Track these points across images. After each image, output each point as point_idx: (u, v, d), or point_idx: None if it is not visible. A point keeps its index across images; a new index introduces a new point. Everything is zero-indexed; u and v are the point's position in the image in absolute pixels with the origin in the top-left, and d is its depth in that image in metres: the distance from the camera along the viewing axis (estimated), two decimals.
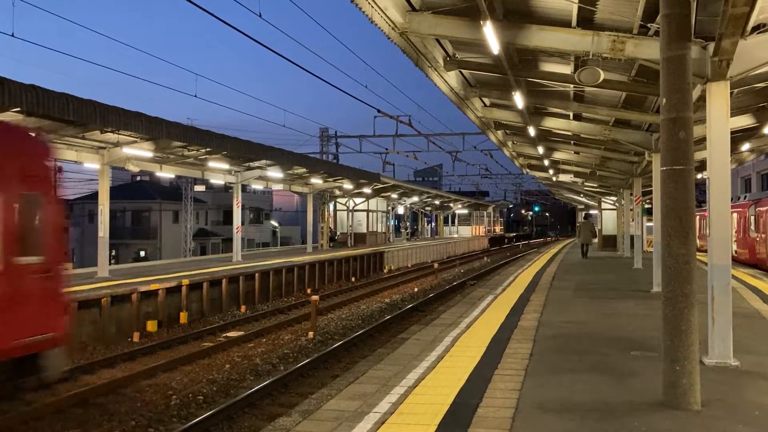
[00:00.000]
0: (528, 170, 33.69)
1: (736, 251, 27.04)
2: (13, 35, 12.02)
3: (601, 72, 9.97)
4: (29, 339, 7.76)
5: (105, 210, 18.45)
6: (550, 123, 17.28)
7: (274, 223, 65.20)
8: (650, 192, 20.03)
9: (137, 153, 17.73)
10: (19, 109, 11.85)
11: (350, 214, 40.30)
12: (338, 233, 40.44)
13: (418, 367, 7.61)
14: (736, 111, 12.30)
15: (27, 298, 7.78)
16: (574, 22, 9.19)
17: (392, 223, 52.77)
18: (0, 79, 11.02)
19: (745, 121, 13.76)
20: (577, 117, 16.73)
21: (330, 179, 30.43)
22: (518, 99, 13.15)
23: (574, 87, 12.89)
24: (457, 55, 12.18)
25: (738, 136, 15.59)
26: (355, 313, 18.12)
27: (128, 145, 17.10)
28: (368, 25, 9.34)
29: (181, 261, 29.52)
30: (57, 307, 8.36)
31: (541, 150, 22.18)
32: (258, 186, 33.35)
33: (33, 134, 9.39)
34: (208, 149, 19.07)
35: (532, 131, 17.64)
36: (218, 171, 23.96)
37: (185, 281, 17.04)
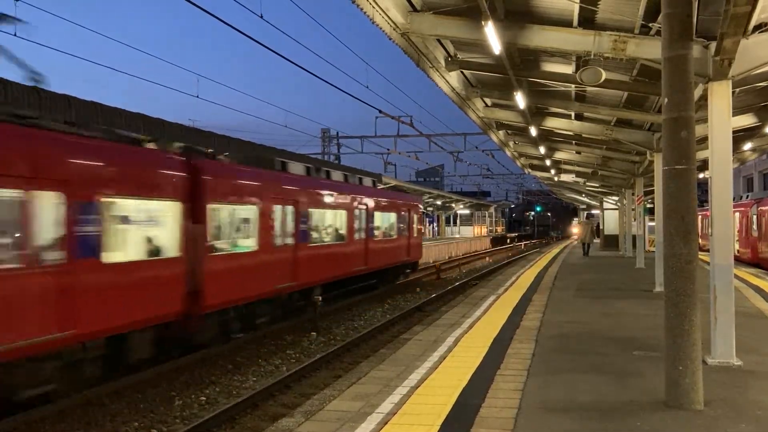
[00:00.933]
0: (529, 170, 33.73)
1: (738, 251, 26.99)
2: (15, 35, 12.02)
3: (602, 72, 9.98)
4: (418, 258, 26.44)
5: None
6: (552, 123, 17.29)
7: None
8: (652, 192, 20.03)
9: None
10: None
11: None
12: None
13: (420, 367, 7.62)
14: (737, 110, 12.31)
15: (419, 246, 26.36)
16: (575, 22, 9.20)
17: None
18: (2, 81, 11.06)
19: (747, 120, 13.76)
20: (579, 117, 16.74)
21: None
22: (520, 99, 13.16)
23: (576, 87, 12.90)
24: (458, 56, 12.19)
25: (740, 136, 15.59)
26: (357, 313, 18.11)
27: None
28: (370, 26, 9.35)
29: None
30: (420, 249, 26.78)
31: (542, 150, 22.19)
32: None
33: (415, 198, 27.91)
34: (210, 150, 19.07)
35: (533, 131, 17.65)
36: None
37: None
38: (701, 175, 16.91)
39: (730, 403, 6.08)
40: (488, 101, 16.77)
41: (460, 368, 7.50)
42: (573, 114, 16.50)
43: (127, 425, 8.63)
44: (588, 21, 9.22)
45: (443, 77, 12.72)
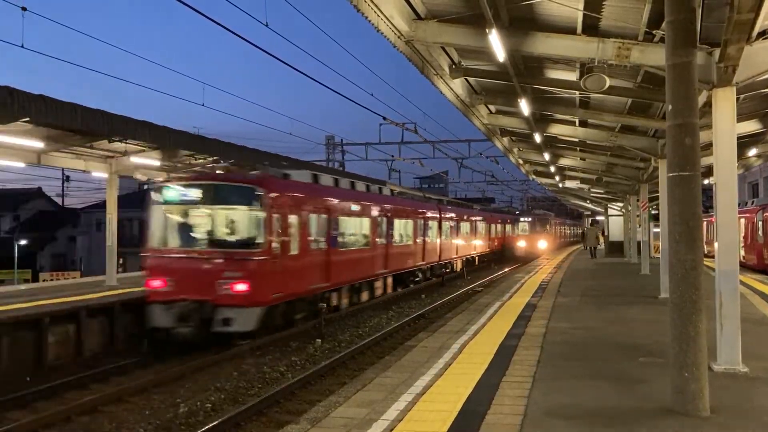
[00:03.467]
0: (534, 176, 33.70)
1: (743, 257, 26.90)
2: (23, 46, 12.11)
3: (606, 78, 9.98)
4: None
5: (113, 219, 18.55)
6: (556, 129, 17.29)
7: None
8: (657, 198, 19.99)
9: (145, 162, 17.82)
10: (27, 119, 11.96)
11: None
12: None
13: (425, 374, 7.61)
14: (742, 116, 12.29)
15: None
16: (579, 29, 9.22)
17: None
18: (9, 89, 11.12)
19: (751, 126, 13.73)
20: (583, 123, 16.73)
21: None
22: (524, 106, 13.17)
23: (580, 93, 12.90)
24: (462, 63, 12.22)
25: (745, 142, 15.57)
26: (362, 320, 18.12)
27: (136, 154, 17.19)
28: (374, 34, 9.39)
29: None
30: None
31: (547, 156, 22.18)
32: None
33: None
34: (215, 158, 19.14)
35: (537, 138, 17.65)
36: None
37: None
38: (706, 181, 16.87)
39: (737, 410, 6.07)
40: (492, 108, 16.78)
41: (466, 375, 7.50)
42: (577, 120, 16.50)
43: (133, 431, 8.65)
44: (592, 28, 9.24)
45: (447, 84, 12.75)
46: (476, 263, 38.51)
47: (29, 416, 9.31)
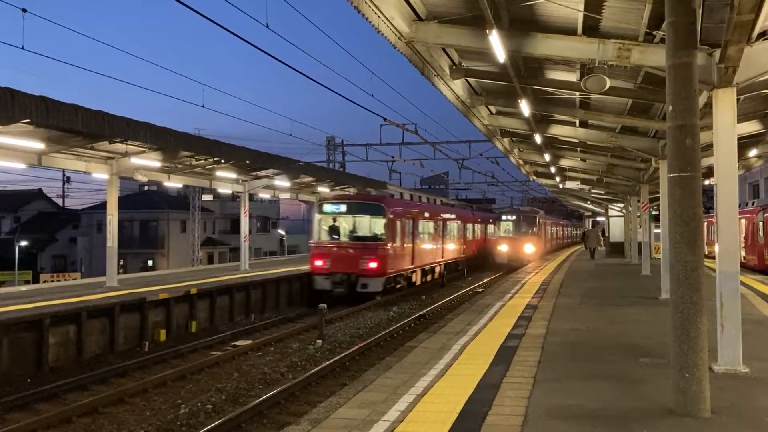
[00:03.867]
0: (534, 177, 33.67)
1: (744, 257, 26.89)
2: (23, 48, 12.13)
3: (607, 79, 9.98)
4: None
5: (114, 220, 18.55)
6: (557, 130, 17.28)
7: (281, 231, 65.33)
8: (657, 198, 20.00)
9: (145, 163, 17.83)
10: (28, 120, 11.96)
11: None
12: None
13: (426, 375, 7.61)
14: (742, 117, 12.28)
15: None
16: (579, 30, 9.21)
17: None
18: (10, 90, 11.13)
19: (752, 127, 13.71)
20: (584, 124, 16.72)
21: (337, 188, 30.48)
22: (524, 107, 13.17)
23: (580, 94, 12.89)
24: (463, 64, 12.22)
25: (745, 142, 15.55)
26: (363, 320, 18.13)
27: (136, 155, 17.19)
28: (375, 35, 9.39)
29: (189, 270, 29.60)
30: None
31: (547, 157, 22.17)
32: (265, 195, 33.49)
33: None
34: (215, 159, 19.16)
35: (538, 139, 17.65)
36: (226, 180, 24.07)
37: (194, 290, 17.10)
38: (707, 182, 16.86)
39: (738, 411, 6.06)
40: (493, 109, 16.77)
41: (466, 376, 7.50)
42: (578, 121, 16.49)
43: None
44: (592, 29, 9.23)
45: (448, 85, 12.74)
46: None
47: (30, 417, 9.32)
